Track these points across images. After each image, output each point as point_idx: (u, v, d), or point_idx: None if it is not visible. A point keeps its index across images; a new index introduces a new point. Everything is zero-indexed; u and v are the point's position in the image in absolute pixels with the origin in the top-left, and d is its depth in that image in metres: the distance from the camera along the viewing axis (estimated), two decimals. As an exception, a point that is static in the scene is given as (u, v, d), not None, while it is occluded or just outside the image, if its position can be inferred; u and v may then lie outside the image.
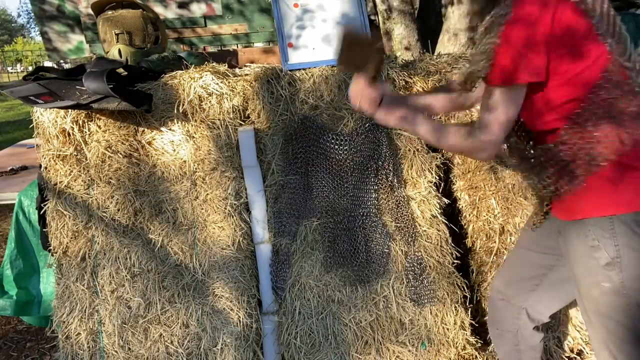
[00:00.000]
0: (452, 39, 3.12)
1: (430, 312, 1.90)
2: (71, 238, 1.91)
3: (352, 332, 1.88)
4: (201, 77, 1.94)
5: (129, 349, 1.86)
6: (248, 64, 2.14)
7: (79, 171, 1.92)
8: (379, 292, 1.90)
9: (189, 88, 1.92)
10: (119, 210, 1.90)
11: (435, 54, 2.37)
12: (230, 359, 1.82)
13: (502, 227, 1.96)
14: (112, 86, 1.75)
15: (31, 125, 1.92)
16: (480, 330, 2.05)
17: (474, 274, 2.05)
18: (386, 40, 3.49)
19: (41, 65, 7.78)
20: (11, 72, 32.61)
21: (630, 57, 1.15)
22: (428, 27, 3.85)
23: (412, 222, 1.93)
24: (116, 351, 1.85)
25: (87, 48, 3.78)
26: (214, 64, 2.05)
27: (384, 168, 1.93)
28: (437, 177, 1.99)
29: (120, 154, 1.91)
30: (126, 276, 1.87)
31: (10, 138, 7.54)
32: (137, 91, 1.92)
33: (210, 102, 1.94)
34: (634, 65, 1.15)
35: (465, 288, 1.96)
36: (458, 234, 2.05)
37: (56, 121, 1.88)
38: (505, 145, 1.36)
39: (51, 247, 1.92)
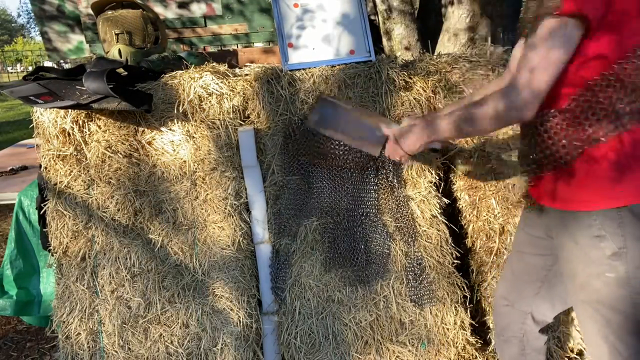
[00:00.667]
0: (452, 39, 3.12)
1: (430, 312, 1.90)
2: (71, 238, 1.91)
3: (352, 332, 1.89)
4: (201, 77, 1.94)
5: (129, 349, 1.86)
6: (248, 64, 2.14)
7: (79, 171, 1.92)
8: (379, 292, 1.90)
9: (189, 88, 1.92)
10: (119, 210, 1.90)
11: (435, 54, 2.36)
12: (230, 359, 1.82)
13: (502, 227, 1.96)
14: (112, 86, 1.75)
15: (31, 125, 1.92)
16: (480, 330, 2.05)
17: (474, 274, 2.05)
18: (386, 40, 3.49)
19: (41, 65, 7.78)
20: (11, 72, 32.62)
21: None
22: (428, 27, 3.85)
23: (412, 222, 1.93)
24: (116, 351, 1.85)
25: (87, 48, 3.78)
26: (214, 64, 2.05)
27: (384, 168, 1.93)
28: (437, 177, 1.99)
29: (120, 154, 1.91)
30: (126, 276, 1.87)
31: (10, 138, 7.54)
32: (137, 91, 1.92)
33: (210, 102, 1.94)
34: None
35: (465, 288, 1.96)
36: (458, 234, 2.05)
37: (56, 121, 1.88)
38: None
39: (51, 247, 1.92)
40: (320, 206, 1.95)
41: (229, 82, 1.99)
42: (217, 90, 1.94)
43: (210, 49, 4.14)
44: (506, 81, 1.33)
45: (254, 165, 1.97)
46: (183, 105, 1.92)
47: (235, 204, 1.91)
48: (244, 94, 1.99)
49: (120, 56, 2.37)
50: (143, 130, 1.95)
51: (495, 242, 1.96)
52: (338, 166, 1.95)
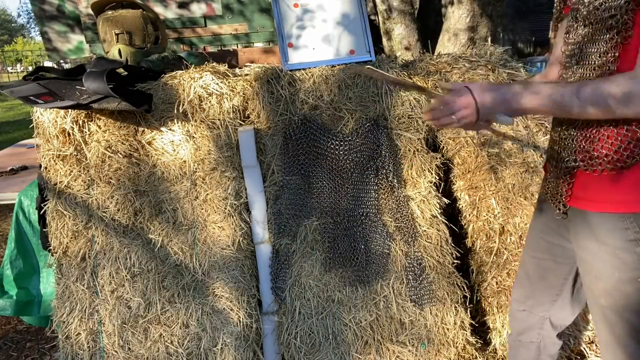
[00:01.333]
0: (452, 39, 3.12)
1: (430, 312, 1.90)
2: (71, 238, 1.91)
3: (352, 332, 1.88)
4: (201, 77, 1.94)
5: (129, 349, 1.86)
6: (248, 64, 2.14)
7: (79, 171, 1.92)
8: (379, 292, 1.90)
9: (189, 88, 1.92)
10: (119, 210, 1.90)
11: (435, 54, 2.37)
12: (230, 359, 1.82)
13: (502, 227, 1.96)
14: (112, 86, 1.75)
15: (31, 125, 1.92)
16: (480, 330, 2.06)
17: (474, 274, 2.05)
18: (386, 40, 3.50)
19: (41, 65, 7.78)
20: (11, 72, 32.62)
21: None
22: (428, 27, 3.85)
23: (412, 222, 1.93)
24: (116, 351, 1.85)
25: (87, 48, 3.78)
26: (214, 64, 2.05)
27: (384, 168, 1.93)
28: (437, 177, 1.99)
29: (120, 154, 1.91)
30: (126, 276, 1.87)
31: (10, 138, 7.55)
32: (137, 91, 1.92)
33: (210, 102, 1.94)
34: None
35: (465, 288, 1.96)
36: (458, 234, 2.05)
37: (56, 121, 1.88)
38: None
39: (51, 247, 1.92)
40: (320, 206, 1.95)
41: (229, 82, 1.99)
42: (217, 90, 1.94)
43: (210, 49, 4.14)
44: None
45: (254, 165, 1.97)
46: (183, 105, 1.92)
47: (235, 204, 1.91)
48: (244, 94, 1.99)
49: (120, 56, 2.37)
50: (143, 130, 1.95)
51: (495, 242, 1.96)
52: (338, 166, 1.96)
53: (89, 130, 1.93)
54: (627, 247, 1.17)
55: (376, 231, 1.92)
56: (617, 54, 1.11)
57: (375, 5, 3.68)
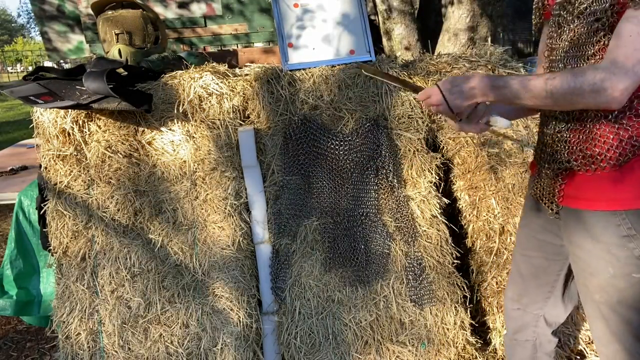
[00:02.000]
0: (452, 39, 3.12)
1: (430, 312, 1.90)
2: (71, 238, 1.91)
3: (352, 332, 1.89)
4: (201, 77, 1.94)
5: (129, 349, 1.86)
6: (248, 64, 2.14)
7: (79, 171, 1.92)
8: (379, 292, 1.90)
9: (189, 88, 1.92)
10: (119, 210, 1.90)
11: (435, 54, 2.37)
12: (230, 359, 1.82)
13: (502, 227, 1.96)
14: (112, 86, 1.75)
15: (31, 125, 1.92)
16: (480, 330, 2.06)
17: (474, 274, 2.05)
18: (386, 40, 3.50)
19: (41, 65, 7.78)
20: (11, 72, 32.61)
21: None
22: (428, 27, 3.86)
23: (412, 222, 1.93)
24: (116, 351, 1.85)
25: (87, 48, 3.78)
26: (214, 64, 2.05)
27: (384, 168, 1.93)
28: (437, 177, 1.99)
29: (120, 154, 1.91)
30: (126, 276, 1.87)
31: (10, 138, 7.55)
32: (137, 91, 1.92)
33: (210, 102, 1.94)
34: None
35: (465, 288, 1.96)
36: (458, 234, 2.05)
37: (56, 121, 1.88)
38: None
39: (51, 247, 1.92)
40: (320, 206, 1.95)
41: (229, 82, 1.99)
42: (217, 90, 1.94)
43: (210, 49, 4.14)
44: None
45: (254, 165, 1.97)
46: (183, 105, 1.92)
47: (235, 204, 1.91)
48: (244, 94, 1.99)
49: (120, 56, 2.37)
50: (143, 130, 1.95)
51: (495, 242, 1.96)
52: (338, 166, 1.96)
53: (89, 130, 1.93)
54: (620, 244, 1.18)
55: (376, 231, 1.92)
56: (604, 56, 1.11)
57: (375, 5, 3.68)
